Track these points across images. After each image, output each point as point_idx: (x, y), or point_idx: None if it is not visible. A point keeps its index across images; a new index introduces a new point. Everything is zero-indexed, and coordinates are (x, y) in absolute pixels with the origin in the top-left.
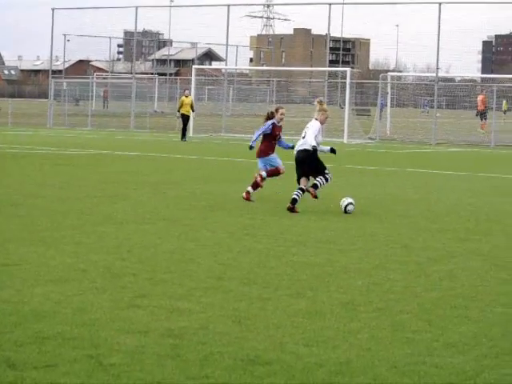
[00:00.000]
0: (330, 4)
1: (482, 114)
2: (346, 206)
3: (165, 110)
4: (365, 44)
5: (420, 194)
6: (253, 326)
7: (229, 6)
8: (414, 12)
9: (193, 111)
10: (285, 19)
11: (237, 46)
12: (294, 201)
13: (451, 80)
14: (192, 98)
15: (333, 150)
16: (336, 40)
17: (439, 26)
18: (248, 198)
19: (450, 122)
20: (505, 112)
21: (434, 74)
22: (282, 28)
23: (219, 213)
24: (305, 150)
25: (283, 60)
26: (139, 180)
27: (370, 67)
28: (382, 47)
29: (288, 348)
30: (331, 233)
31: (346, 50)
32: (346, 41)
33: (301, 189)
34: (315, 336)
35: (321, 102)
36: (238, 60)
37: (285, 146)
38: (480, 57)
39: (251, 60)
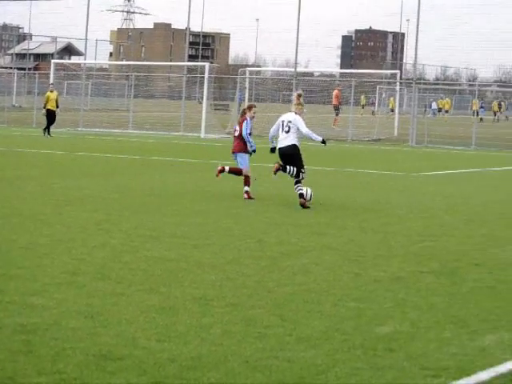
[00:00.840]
0: None
1: (336, 109)
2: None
3: (23, 104)
4: (224, 39)
5: (278, 189)
6: (106, 322)
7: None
8: (274, 7)
9: (57, 107)
10: (145, 13)
11: (96, 41)
12: (301, 195)
13: (310, 75)
14: (56, 93)
15: (323, 142)
16: (196, 35)
17: (298, 21)
18: (249, 197)
19: (308, 117)
20: (363, 107)
21: (293, 69)
22: (143, 22)
23: (75, 208)
24: (293, 146)
25: (143, 55)
26: None
27: (230, 62)
28: (242, 42)
29: (140, 343)
30: (186, 228)
31: (205, 45)
32: (205, 35)
33: (297, 181)
34: (167, 331)
35: (299, 97)
36: (98, 54)
37: (244, 135)
38: (339, 52)
39: (111, 54)
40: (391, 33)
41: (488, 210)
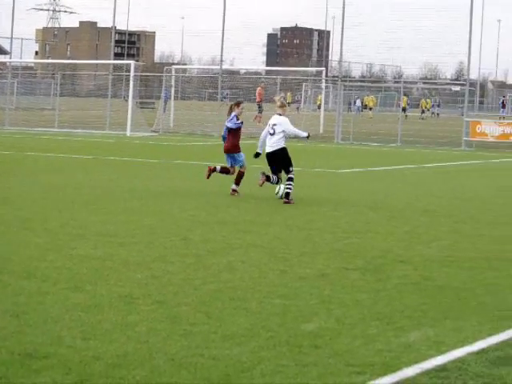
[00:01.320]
0: None
1: (259, 107)
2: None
3: None
4: (150, 37)
5: (201, 187)
6: (31, 320)
7: None
8: (200, 4)
9: None
10: (71, 12)
11: (22, 39)
12: (288, 194)
13: (236, 72)
14: None
15: (308, 136)
16: (122, 33)
17: (224, 19)
18: (234, 193)
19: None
20: (289, 104)
21: (219, 67)
22: (69, 21)
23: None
24: (282, 149)
25: (69, 53)
26: None
27: (156, 60)
28: (168, 40)
29: (66, 341)
30: (112, 226)
31: (131, 43)
32: (131, 34)
33: (290, 178)
34: (93, 329)
35: (281, 98)
36: (24, 53)
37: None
38: (265, 49)
39: (36, 53)
40: (317, 30)
41: (411, 207)
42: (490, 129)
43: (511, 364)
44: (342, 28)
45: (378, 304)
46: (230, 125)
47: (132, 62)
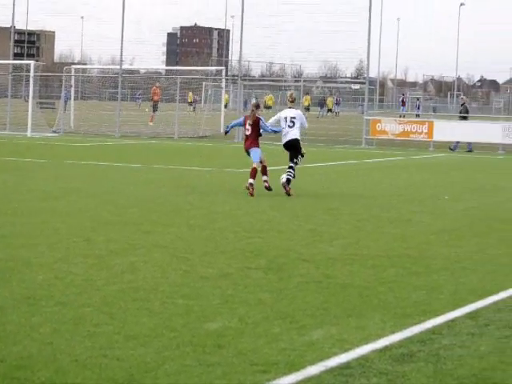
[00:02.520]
0: None
1: (154, 106)
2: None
3: None
4: (50, 36)
5: (104, 187)
6: None
7: None
8: (99, 4)
9: None
10: None
11: None
12: (288, 181)
13: (136, 72)
14: None
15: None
16: (21, 32)
17: (123, 18)
18: (251, 191)
19: (136, 114)
20: (190, 104)
21: (119, 67)
22: None
23: None
24: (297, 140)
25: None
26: None
27: (56, 60)
28: (68, 40)
29: None
30: (13, 227)
31: (30, 43)
32: (30, 33)
33: (291, 167)
34: None
35: (292, 95)
36: None
37: (268, 130)
38: (165, 49)
39: None
40: (216, 29)
41: (314, 206)
42: (391, 127)
43: (414, 361)
44: (242, 27)
45: (280, 303)
46: (271, 129)
47: (32, 62)
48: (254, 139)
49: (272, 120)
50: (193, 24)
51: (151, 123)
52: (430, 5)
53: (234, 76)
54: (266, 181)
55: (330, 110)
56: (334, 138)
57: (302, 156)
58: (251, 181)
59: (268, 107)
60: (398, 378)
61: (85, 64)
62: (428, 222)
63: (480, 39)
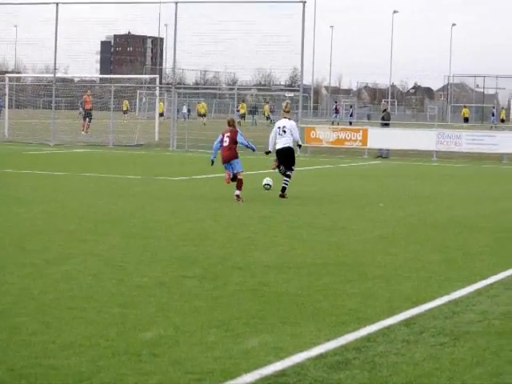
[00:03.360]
0: None
1: (87, 115)
2: (265, 184)
3: None
4: None
5: (39, 196)
6: None
7: None
8: (32, 12)
9: None
10: None
11: None
12: (284, 189)
13: (70, 80)
14: None
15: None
16: None
17: (56, 27)
18: (238, 199)
19: (69, 122)
20: (125, 112)
21: (53, 75)
22: None
23: None
24: (290, 148)
25: None
26: None
27: None
28: (1, 48)
29: None
30: None
31: None
32: None
33: (288, 175)
34: None
35: (288, 105)
36: None
37: (244, 143)
38: (99, 57)
39: None
40: (150, 37)
41: (248, 214)
42: (325, 134)
43: (349, 368)
44: (175, 35)
45: (216, 311)
46: (243, 141)
47: None
48: (233, 150)
49: (271, 134)
50: (126, 32)
51: (84, 132)
52: (364, 12)
53: (168, 84)
54: (238, 195)
55: (267, 118)
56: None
57: (293, 166)
58: (237, 192)
59: (202, 115)
60: None
61: (19, 72)
62: (363, 229)
63: (414, 46)
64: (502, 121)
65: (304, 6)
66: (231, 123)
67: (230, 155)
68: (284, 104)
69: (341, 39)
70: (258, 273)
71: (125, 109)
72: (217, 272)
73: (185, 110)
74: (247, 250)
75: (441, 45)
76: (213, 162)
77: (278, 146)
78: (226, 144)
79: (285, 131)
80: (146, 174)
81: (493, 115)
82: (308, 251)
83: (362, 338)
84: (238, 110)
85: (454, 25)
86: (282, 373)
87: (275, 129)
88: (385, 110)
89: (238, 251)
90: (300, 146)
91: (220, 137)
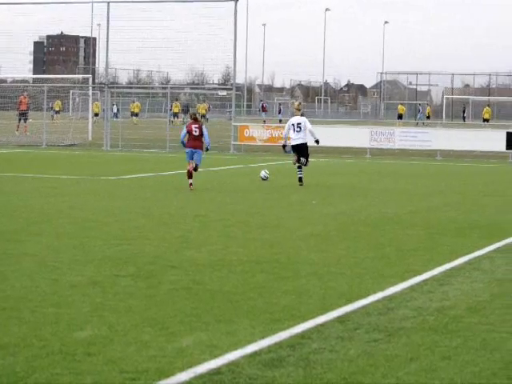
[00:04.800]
0: None
1: (23, 115)
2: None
3: None
4: None
5: None
6: None
7: None
8: None
9: None
10: None
11: None
12: (300, 179)
13: (3, 81)
14: None
15: (317, 141)
16: None
17: None
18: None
19: (7, 123)
20: (57, 112)
21: None
22: None
23: None
24: (305, 143)
25: None
26: None
27: None
28: None
29: None
30: None
31: None
32: None
33: (299, 166)
34: None
35: (299, 104)
36: None
37: (207, 139)
38: (32, 57)
39: None
40: (83, 37)
41: (181, 212)
42: (258, 133)
43: (284, 366)
44: (107, 35)
45: (150, 310)
46: (206, 135)
47: None
48: (200, 141)
49: (285, 130)
50: (59, 32)
51: (18, 132)
52: (296, 10)
53: (101, 84)
54: (191, 184)
55: (203, 116)
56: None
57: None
58: (191, 181)
59: (135, 114)
60: (268, 382)
61: None
62: (296, 227)
63: (347, 44)
64: (428, 117)
65: (236, 4)
66: (194, 116)
67: (197, 145)
68: (296, 103)
69: (273, 37)
70: (191, 271)
71: (57, 109)
72: (151, 271)
73: (114, 109)
74: (181, 249)
75: (374, 42)
76: (183, 142)
77: (295, 142)
78: (196, 134)
79: (300, 128)
80: (79, 174)
81: (419, 112)
82: (242, 249)
83: (297, 335)
84: (171, 109)
85: (386, 22)
86: (217, 371)
87: (289, 125)
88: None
89: (172, 250)
90: (317, 141)
91: (185, 129)
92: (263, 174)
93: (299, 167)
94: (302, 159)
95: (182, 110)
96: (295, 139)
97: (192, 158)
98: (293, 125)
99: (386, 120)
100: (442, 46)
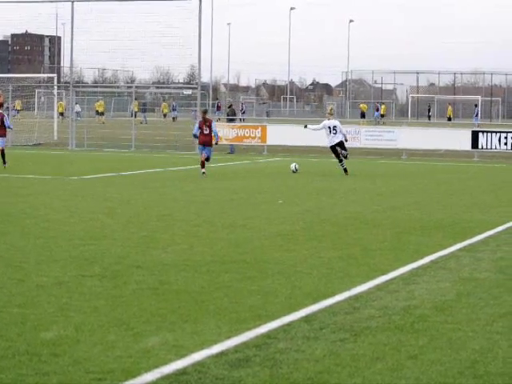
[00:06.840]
0: None
1: None
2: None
3: None
4: None
5: None
6: None
7: None
8: None
9: None
10: None
11: None
12: (346, 170)
13: None
14: None
15: (346, 140)
16: None
17: None
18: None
19: None
20: (18, 111)
21: None
22: None
23: None
24: (341, 141)
25: None
26: None
27: None
28: None
29: None
30: None
31: None
32: None
33: (340, 160)
34: None
35: (332, 109)
36: None
37: (215, 132)
38: None
39: None
40: (48, 36)
41: (148, 212)
42: (224, 132)
43: (250, 365)
44: (72, 34)
45: (116, 310)
46: (215, 129)
47: None
48: (211, 137)
49: (318, 126)
50: (24, 31)
51: None
52: (260, 9)
53: (66, 83)
54: (204, 172)
55: (165, 116)
56: (168, 143)
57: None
58: (203, 170)
59: (100, 113)
60: (235, 383)
61: None
62: (262, 226)
63: (312, 43)
64: (382, 116)
65: (200, 2)
66: (203, 115)
67: (207, 140)
68: (328, 108)
69: (239, 37)
70: (157, 271)
71: (18, 108)
72: (116, 271)
73: (78, 108)
74: (146, 249)
75: (339, 41)
76: (195, 135)
77: (334, 142)
78: (206, 132)
79: (336, 130)
80: (44, 174)
81: (377, 110)
82: (207, 249)
83: (263, 334)
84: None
85: (351, 21)
86: (183, 371)
87: (324, 126)
88: (230, 106)
89: (137, 250)
90: (346, 140)
91: (197, 125)
92: (293, 166)
93: (340, 160)
94: (344, 152)
95: (141, 109)
96: (333, 140)
97: (204, 151)
98: (329, 127)
99: (351, 119)
100: (408, 45)
